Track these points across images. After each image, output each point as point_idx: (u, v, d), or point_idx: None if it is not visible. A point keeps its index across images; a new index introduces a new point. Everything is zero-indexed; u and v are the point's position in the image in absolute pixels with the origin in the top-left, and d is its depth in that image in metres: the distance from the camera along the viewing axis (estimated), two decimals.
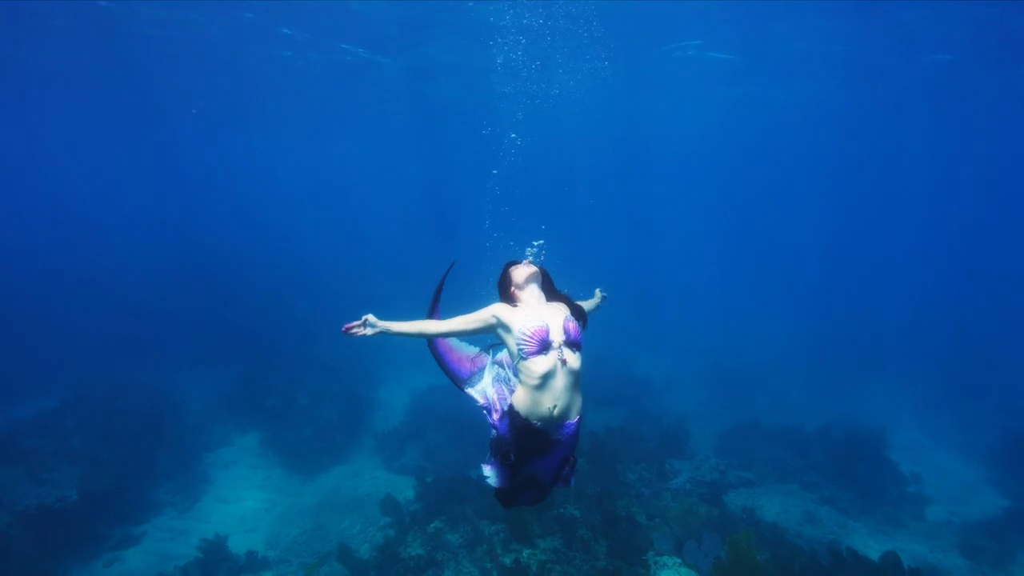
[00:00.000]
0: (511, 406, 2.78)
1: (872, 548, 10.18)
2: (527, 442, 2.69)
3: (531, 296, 3.06)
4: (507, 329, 2.90)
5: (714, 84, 23.72)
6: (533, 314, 2.93)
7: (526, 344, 2.80)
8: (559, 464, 2.72)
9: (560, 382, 2.78)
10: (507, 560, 8.25)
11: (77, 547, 10.43)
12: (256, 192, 55.46)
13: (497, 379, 3.04)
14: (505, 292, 3.07)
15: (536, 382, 2.76)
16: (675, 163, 45.01)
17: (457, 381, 3.02)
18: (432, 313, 3.14)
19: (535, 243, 3.43)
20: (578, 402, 2.83)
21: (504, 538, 8.83)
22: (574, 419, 2.78)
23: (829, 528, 11.04)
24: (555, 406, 2.72)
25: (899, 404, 17.85)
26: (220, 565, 9.81)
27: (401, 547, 9.32)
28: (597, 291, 3.72)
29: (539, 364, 2.77)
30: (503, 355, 3.10)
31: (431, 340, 3.07)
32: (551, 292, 3.20)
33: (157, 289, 22.09)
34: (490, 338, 2.99)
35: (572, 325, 2.96)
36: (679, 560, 7.42)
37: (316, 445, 14.17)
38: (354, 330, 2.87)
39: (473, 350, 3.15)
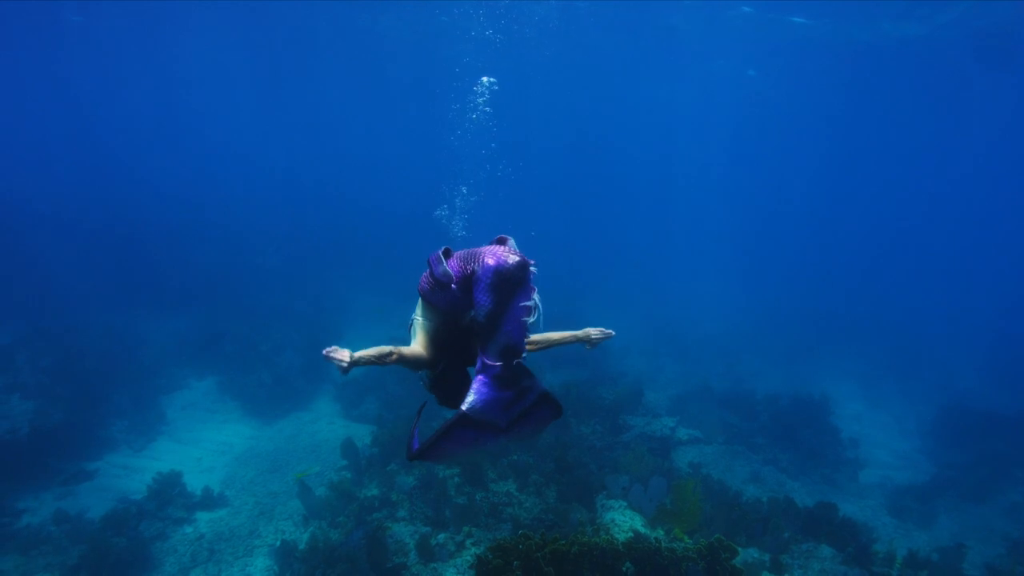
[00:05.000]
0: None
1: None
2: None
3: None
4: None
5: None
6: None
7: None
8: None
9: None
10: (460, 500, 8.50)
11: (28, 480, 10.35)
12: (224, 142, 53.94)
13: None
14: None
15: None
16: (639, 132, 45.16)
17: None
18: (412, 435, 3.01)
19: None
20: None
21: (458, 482, 9.07)
22: None
23: (770, 486, 11.58)
24: None
25: (846, 377, 18.63)
26: (175, 500, 9.87)
27: (357, 488, 9.51)
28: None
29: None
30: None
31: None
32: None
33: (119, 232, 21.50)
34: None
35: None
36: (625, 503, 7.75)
37: (275, 391, 14.20)
38: (335, 358, 2.60)
39: None
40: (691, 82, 28.04)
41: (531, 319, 2.71)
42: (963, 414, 15.38)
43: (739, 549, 6.08)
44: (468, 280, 2.79)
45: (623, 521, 7.33)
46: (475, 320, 2.73)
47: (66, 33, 24.59)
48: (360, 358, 2.68)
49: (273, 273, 20.80)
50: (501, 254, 2.68)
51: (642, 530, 7.21)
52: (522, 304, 2.69)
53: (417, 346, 3.15)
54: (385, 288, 20.22)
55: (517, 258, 2.67)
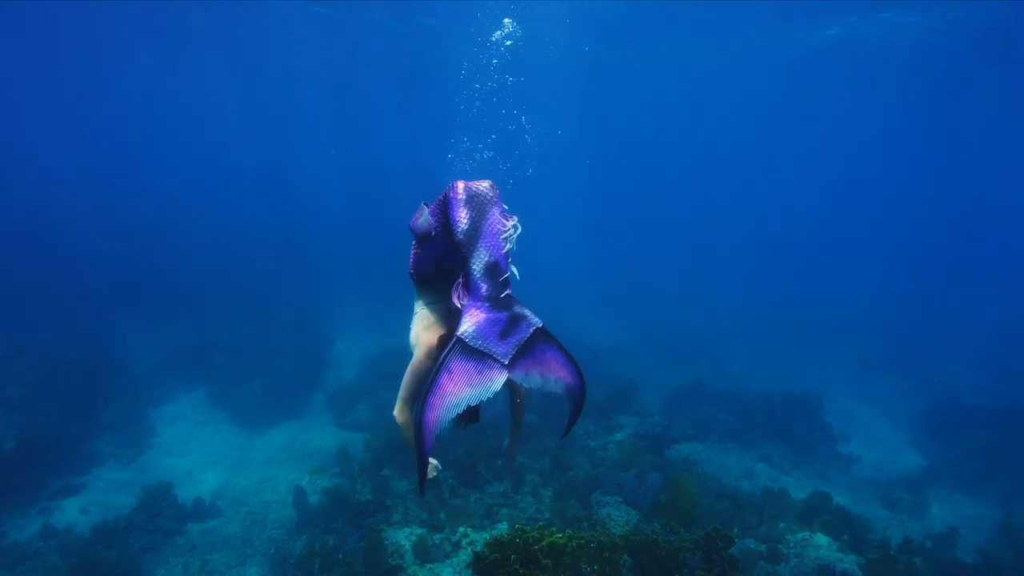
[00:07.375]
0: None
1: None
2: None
3: None
4: None
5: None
6: None
7: None
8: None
9: None
10: (455, 502, 8.44)
11: (13, 495, 10.17)
12: (215, 146, 53.45)
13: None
14: None
15: None
16: (635, 131, 45.20)
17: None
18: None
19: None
20: None
21: (453, 484, 9.02)
22: None
23: (763, 482, 11.57)
24: None
25: (838, 373, 18.70)
26: (165, 512, 9.73)
27: (351, 494, 9.42)
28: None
29: None
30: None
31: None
32: None
33: (103, 240, 21.30)
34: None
35: None
36: (620, 499, 7.73)
37: (266, 401, 14.08)
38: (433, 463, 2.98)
39: None
40: (685, 80, 28.02)
41: (509, 241, 2.75)
42: (954, 408, 15.54)
43: (736, 539, 6.08)
44: (444, 209, 2.78)
45: (619, 516, 7.30)
46: (455, 244, 2.73)
47: (61, 34, 24.23)
48: (423, 448, 2.58)
49: (264, 276, 20.63)
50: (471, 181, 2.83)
51: (638, 524, 7.18)
52: (497, 220, 2.74)
53: (420, 346, 3.08)
54: (376, 295, 20.14)
55: (488, 181, 2.80)
